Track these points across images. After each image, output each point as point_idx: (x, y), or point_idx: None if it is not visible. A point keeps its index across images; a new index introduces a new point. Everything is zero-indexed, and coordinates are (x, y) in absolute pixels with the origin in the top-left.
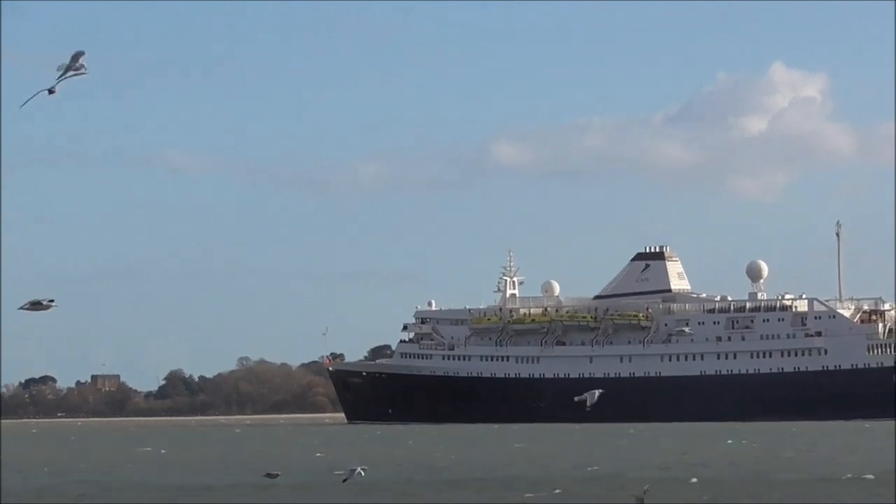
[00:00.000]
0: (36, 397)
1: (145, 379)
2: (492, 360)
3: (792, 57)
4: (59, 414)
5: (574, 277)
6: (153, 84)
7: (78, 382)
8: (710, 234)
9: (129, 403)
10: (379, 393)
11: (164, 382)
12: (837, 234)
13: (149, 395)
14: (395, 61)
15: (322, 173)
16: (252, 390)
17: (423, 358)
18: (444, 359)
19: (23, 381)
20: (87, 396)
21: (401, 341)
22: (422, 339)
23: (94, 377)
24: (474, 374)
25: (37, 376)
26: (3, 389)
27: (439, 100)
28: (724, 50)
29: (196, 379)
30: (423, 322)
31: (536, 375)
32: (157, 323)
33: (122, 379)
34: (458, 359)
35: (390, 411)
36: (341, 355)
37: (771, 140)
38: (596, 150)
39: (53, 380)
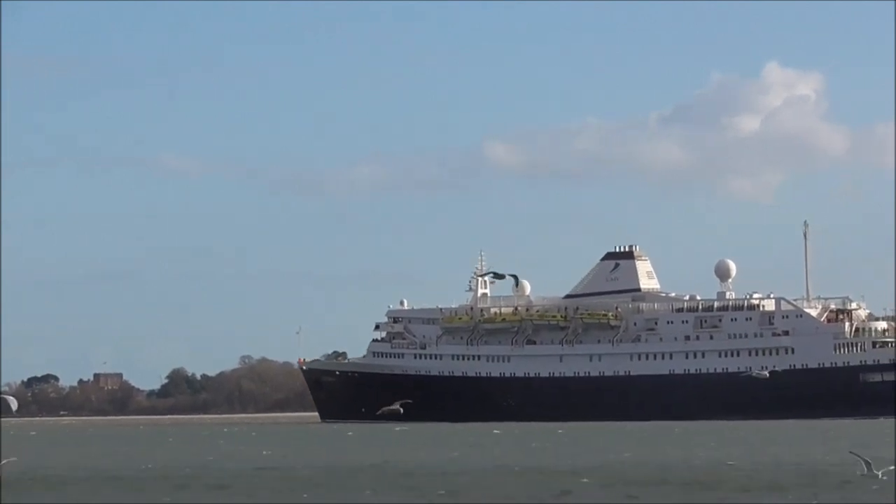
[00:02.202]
0: (38, 396)
1: (147, 377)
2: (463, 359)
3: (786, 56)
4: (61, 412)
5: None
6: (151, 85)
7: (80, 381)
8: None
9: (132, 402)
10: (351, 392)
11: (166, 381)
12: (805, 234)
13: (151, 393)
14: (390, 63)
15: (319, 175)
16: (254, 389)
17: (394, 357)
18: (415, 358)
19: (25, 379)
20: (89, 395)
21: (373, 340)
22: (394, 338)
23: (96, 376)
24: (446, 373)
25: (39, 375)
26: (6, 388)
27: (433, 101)
28: (719, 50)
29: (198, 377)
30: (395, 321)
31: (507, 374)
32: (159, 321)
33: (124, 377)
34: (430, 358)
35: (363, 410)
36: (343, 353)
37: (764, 140)
38: (589, 152)
39: (56, 378)
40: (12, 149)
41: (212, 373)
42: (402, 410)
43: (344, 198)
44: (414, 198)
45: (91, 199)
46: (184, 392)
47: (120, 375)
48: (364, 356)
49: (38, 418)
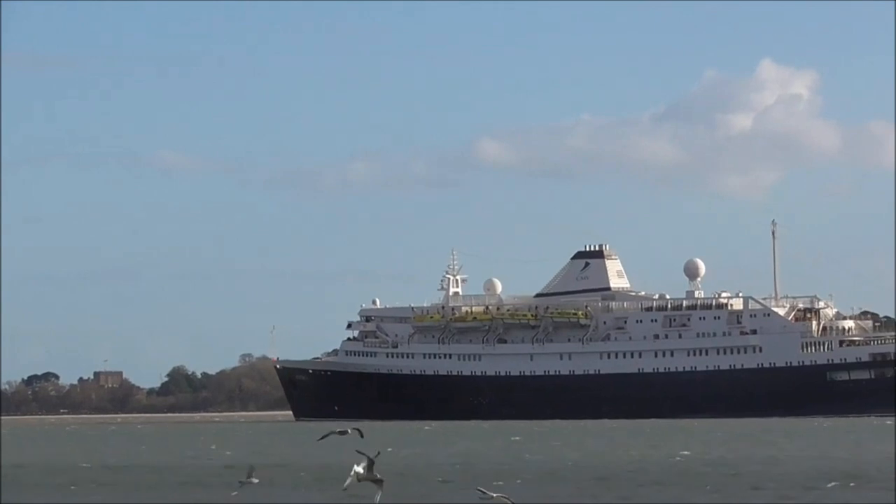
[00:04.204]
0: (38, 394)
1: (148, 375)
2: (434, 357)
3: (781, 54)
4: (61, 410)
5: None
6: (147, 83)
7: (81, 379)
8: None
9: (132, 400)
10: (324, 390)
11: (166, 379)
12: (773, 234)
13: (151, 391)
14: (383, 61)
15: (318, 173)
16: (255, 387)
17: (367, 356)
18: (387, 356)
19: (25, 377)
20: (89, 393)
21: (346, 339)
22: (366, 336)
23: (96, 374)
24: (417, 372)
25: (39, 373)
26: (6, 386)
27: (425, 99)
28: (713, 47)
29: (199, 375)
30: (367, 320)
31: (478, 373)
32: (160, 319)
33: (124, 375)
34: (402, 356)
35: (336, 408)
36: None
37: (755, 137)
38: (581, 150)
39: (56, 376)
40: (11, 147)
41: (212, 371)
42: (349, 432)
43: (338, 196)
44: (396, 196)
45: (90, 197)
46: (184, 390)
47: (120, 373)
48: (329, 352)
49: (38, 416)
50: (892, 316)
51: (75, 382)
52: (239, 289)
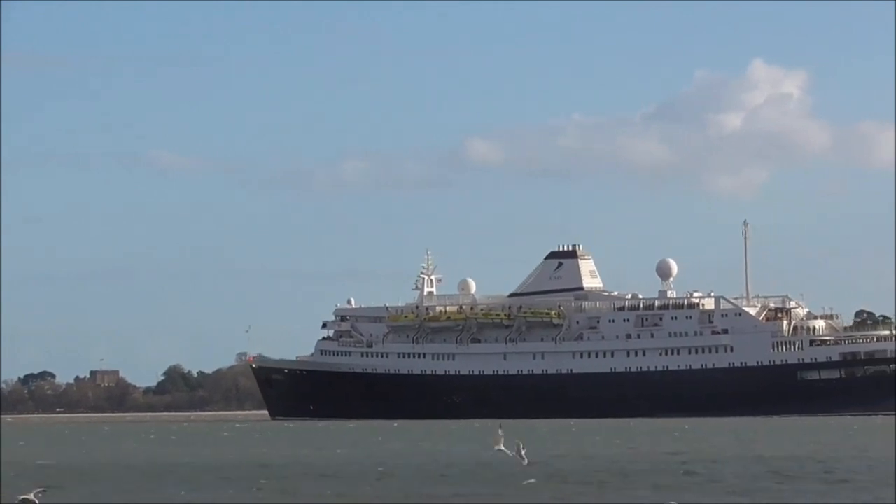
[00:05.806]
0: (35, 393)
1: (144, 374)
2: (409, 357)
3: (772, 54)
4: (58, 409)
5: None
6: (146, 84)
7: (77, 378)
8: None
9: (129, 399)
10: (300, 390)
11: (163, 378)
12: (744, 234)
13: (148, 390)
14: (374, 61)
15: (313, 172)
16: (251, 385)
17: (342, 355)
18: (362, 356)
19: (22, 376)
20: (86, 392)
21: (321, 338)
22: (341, 336)
23: (93, 373)
24: (392, 371)
25: (36, 372)
26: (3, 385)
27: (415, 99)
28: (704, 47)
29: (195, 374)
30: (342, 319)
31: (452, 372)
32: (156, 318)
33: (121, 374)
34: (377, 356)
35: (311, 408)
36: None
37: (746, 137)
38: (573, 150)
39: (52, 375)
40: (11, 147)
41: (208, 370)
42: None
43: (331, 194)
44: (376, 196)
45: (87, 196)
46: (181, 389)
47: (116, 372)
48: (312, 354)
49: (35, 415)
50: (891, 315)
51: (72, 381)
52: (235, 288)
